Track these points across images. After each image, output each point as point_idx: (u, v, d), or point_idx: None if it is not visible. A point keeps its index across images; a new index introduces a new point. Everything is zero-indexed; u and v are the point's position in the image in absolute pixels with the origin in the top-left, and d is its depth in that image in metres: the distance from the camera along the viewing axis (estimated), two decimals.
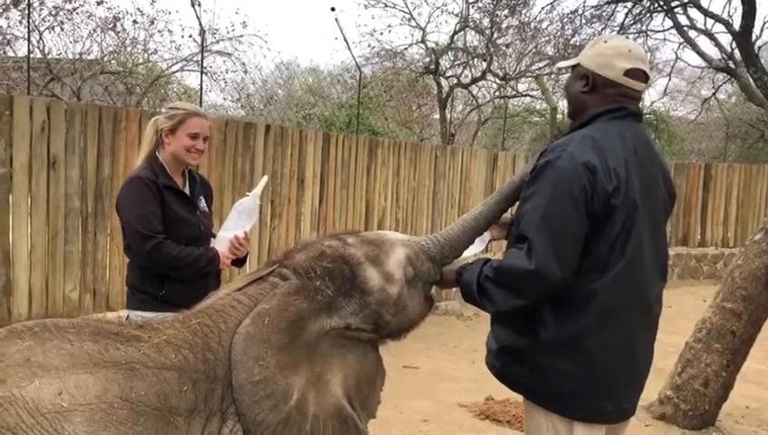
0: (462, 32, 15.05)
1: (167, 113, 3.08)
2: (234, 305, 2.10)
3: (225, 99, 15.67)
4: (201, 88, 8.41)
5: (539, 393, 2.33)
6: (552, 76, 14.62)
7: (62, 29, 12.03)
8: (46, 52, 12.00)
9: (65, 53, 12.23)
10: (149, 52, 13.37)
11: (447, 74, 15.79)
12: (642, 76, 2.33)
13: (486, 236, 2.49)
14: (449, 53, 15.72)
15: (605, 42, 2.36)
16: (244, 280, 2.25)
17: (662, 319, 2.44)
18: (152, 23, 12.98)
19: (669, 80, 17.43)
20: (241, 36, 14.36)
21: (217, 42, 14.35)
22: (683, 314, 7.78)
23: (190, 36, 14.39)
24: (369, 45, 15.62)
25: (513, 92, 16.24)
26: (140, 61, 13.74)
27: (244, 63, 14.29)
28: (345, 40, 8.08)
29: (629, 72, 2.28)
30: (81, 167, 5.07)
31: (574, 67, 2.41)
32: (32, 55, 12.02)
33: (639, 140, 2.31)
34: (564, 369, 2.24)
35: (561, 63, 2.65)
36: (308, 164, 7.08)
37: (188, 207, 3.11)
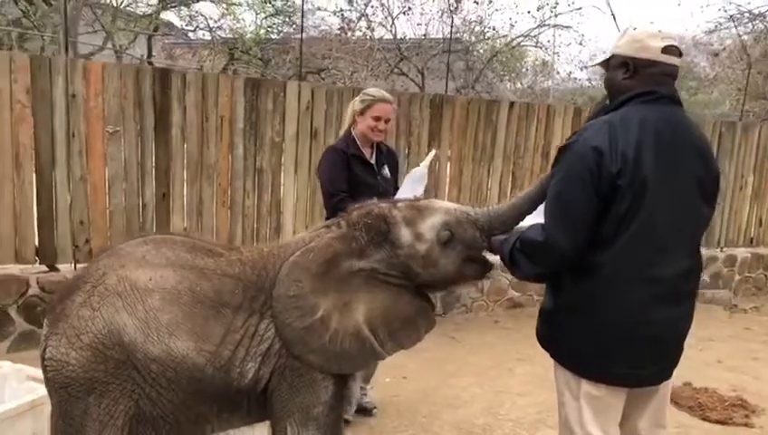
0: None
1: (361, 98, 3.93)
2: (296, 242, 2.80)
3: (558, 70, 15.91)
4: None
5: (557, 351, 2.59)
6: None
7: (412, 13, 13.75)
8: (397, 34, 13.87)
9: (413, 34, 13.94)
10: (487, 29, 14.34)
11: None
12: (677, 52, 2.43)
13: None
14: None
15: (634, 29, 2.47)
16: (317, 226, 2.94)
17: None
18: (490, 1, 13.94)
19: None
20: (580, 9, 14.47)
21: (555, 16, 14.72)
22: None
23: (528, 12, 14.98)
24: (720, 9, 14.27)
25: None
26: (479, 38, 14.79)
27: (582, 35, 14.36)
28: (614, 19, 7.81)
29: (666, 50, 2.40)
30: (336, 138, 6.17)
31: (607, 61, 2.55)
32: (385, 37, 14.04)
33: (666, 122, 2.38)
34: (576, 330, 2.46)
35: (594, 62, 2.71)
36: (555, 138, 7.18)
37: (370, 173, 3.91)
